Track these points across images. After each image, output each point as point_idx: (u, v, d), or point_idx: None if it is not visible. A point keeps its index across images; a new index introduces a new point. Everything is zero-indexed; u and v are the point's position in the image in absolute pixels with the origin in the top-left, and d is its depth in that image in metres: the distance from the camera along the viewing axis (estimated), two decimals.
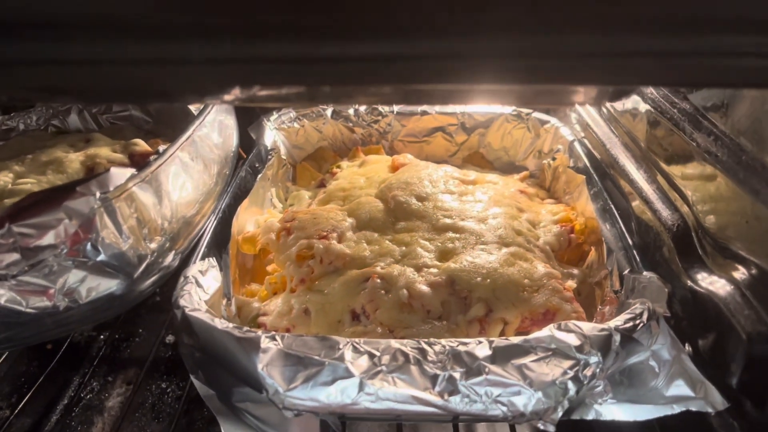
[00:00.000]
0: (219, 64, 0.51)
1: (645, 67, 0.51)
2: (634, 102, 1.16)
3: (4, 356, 1.34)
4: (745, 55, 0.49)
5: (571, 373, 0.73)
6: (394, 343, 0.77)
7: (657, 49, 0.49)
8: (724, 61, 0.50)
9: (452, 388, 0.72)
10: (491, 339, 0.77)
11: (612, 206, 1.14)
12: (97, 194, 0.86)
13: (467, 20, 0.46)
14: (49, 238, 0.82)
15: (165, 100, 1.09)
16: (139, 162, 1.09)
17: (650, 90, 1.08)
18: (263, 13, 0.47)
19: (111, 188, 0.88)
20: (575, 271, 1.14)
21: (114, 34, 0.48)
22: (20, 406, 1.22)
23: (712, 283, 0.83)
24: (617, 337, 0.77)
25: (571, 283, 1.09)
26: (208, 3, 0.47)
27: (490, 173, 1.49)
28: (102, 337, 1.45)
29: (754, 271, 0.76)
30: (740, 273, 0.79)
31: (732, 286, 0.80)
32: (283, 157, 1.55)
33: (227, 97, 0.66)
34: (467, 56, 0.49)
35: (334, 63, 0.50)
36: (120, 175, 0.90)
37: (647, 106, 1.08)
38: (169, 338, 1.43)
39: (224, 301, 1.01)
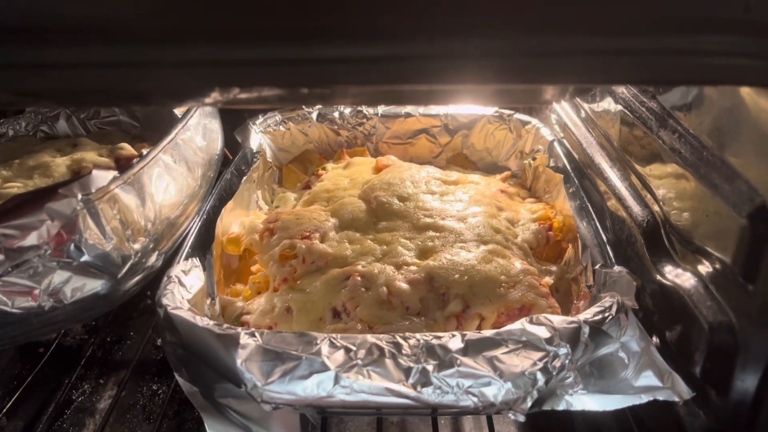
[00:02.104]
0: (195, 66, 0.53)
1: (605, 66, 0.53)
2: (607, 103, 1.19)
3: None
4: (704, 53, 0.51)
5: (540, 365, 0.75)
6: (370, 338, 0.79)
7: (616, 48, 0.51)
8: (684, 59, 0.52)
9: (425, 380, 0.74)
10: (464, 332, 0.79)
11: (588, 204, 1.16)
12: (79, 196, 0.88)
13: (438, 23, 0.49)
14: (32, 239, 0.84)
15: (143, 103, 1.11)
16: (126, 165, 1.11)
17: (621, 90, 1.11)
18: (238, 17, 0.49)
19: (93, 190, 0.90)
20: (553, 268, 1.17)
21: (91, 38, 0.50)
22: (12, 409, 1.23)
23: (678, 276, 0.86)
24: (586, 330, 0.79)
25: (548, 280, 1.12)
26: (183, 7, 0.49)
27: (473, 174, 1.52)
28: (93, 339, 1.46)
29: (716, 264, 0.78)
30: (704, 266, 0.81)
31: (696, 279, 0.82)
32: (269, 159, 1.57)
33: (207, 100, 0.67)
34: (439, 57, 0.51)
35: (309, 65, 0.52)
36: (102, 177, 0.92)
37: (619, 107, 1.11)
38: (160, 340, 1.45)
39: (208, 301, 1.03)
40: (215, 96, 0.64)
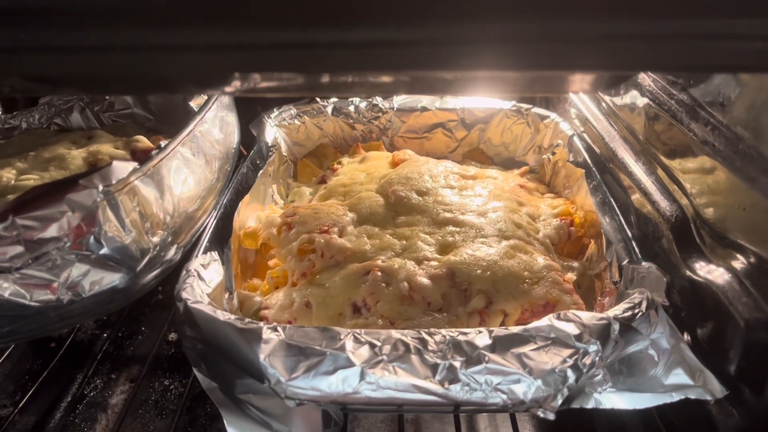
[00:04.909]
0: (218, 50, 0.51)
1: (643, 52, 0.51)
2: (632, 97, 1.17)
3: (7, 353, 1.35)
4: (743, 38, 0.49)
5: (570, 362, 0.73)
6: (395, 333, 0.77)
7: (654, 33, 0.49)
8: (722, 44, 0.50)
9: (452, 377, 0.72)
10: (491, 329, 0.77)
11: (611, 199, 1.14)
12: (100, 187, 0.86)
13: (464, 5, 0.47)
14: (52, 231, 0.83)
15: (166, 90, 1.09)
16: (141, 158, 1.10)
17: (648, 83, 1.09)
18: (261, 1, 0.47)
19: (113, 181, 0.89)
20: (575, 264, 1.15)
21: (114, 22, 0.49)
22: (24, 403, 1.22)
23: (710, 272, 0.84)
24: (616, 326, 0.77)
25: (571, 276, 1.10)
26: None
27: (490, 168, 1.50)
28: (105, 335, 1.45)
29: (752, 259, 0.76)
30: (738, 261, 0.79)
31: (730, 275, 0.80)
32: (284, 153, 1.56)
33: (228, 88, 0.66)
34: (467, 42, 0.50)
35: (331, 49, 0.50)
36: (122, 168, 0.91)
37: (645, 100, 1.09)
38: (172, 336, 1.44)
39: (226, 295, 1.02)
40: (236, 83, 0.63)
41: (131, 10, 0.48)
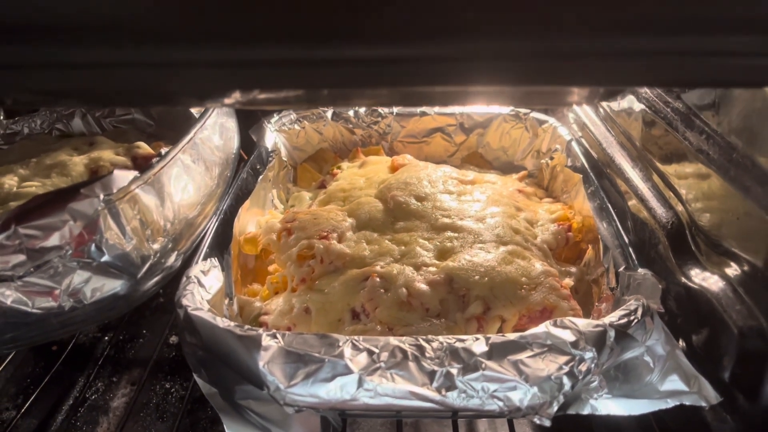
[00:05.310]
0: (219, 67, 0.52)
1: (636, 68, 0.52)
2: (629, 102, 1.17)
3: (9, 357, 1.36)
4: (735, 54, 0.50)
5: (566, 369, 0.74)
6: (393, 340, 0.78)
7: (648, 50, 0.50)
8: (714, 60, 0.51)
9: (449, 384, 0.73)
10: (488, 336, 0.78)
11: (608, 205, 1.15)
12: (101, 196, 0.87)
13: (463, 23, 0.47)
14: (54, 240, 0.84)
15: (167, 104, 1.10)
16: (142, 164, 1.11)
17: (644, 89, 1.09)
18: (263, 17, 0.48)
19: (114, 190, 0.90)
20: (573, 269, 1.16)
21: (116, 38, 0.50)
22: (26, 406, 1.23)
23: (705, 280, 0.84)
24: (612, 333, 0.78)
25: (569, 281, 1.11)
26: (208, 7, 0.49)
27: (489, 173, 1.50)
28: (107, 338, 1.46)
29: (745, 267, 0.77)
30: (732, 269, 0.80)
31: (724, 282, 0.81)
32: (284, 158, 1.56)
33: (227, 101, 0.67)
34: (463, 58, 0.50)
35: (331, 66, 0.51)
36: (123, 177, 0.92)
37: (642, 106, 1.10)
38: (173, 339, 1.45)
39: (226, 301, 1.02)
40: (236, 96, 0.64)
41: (134, 28, 0.49)
